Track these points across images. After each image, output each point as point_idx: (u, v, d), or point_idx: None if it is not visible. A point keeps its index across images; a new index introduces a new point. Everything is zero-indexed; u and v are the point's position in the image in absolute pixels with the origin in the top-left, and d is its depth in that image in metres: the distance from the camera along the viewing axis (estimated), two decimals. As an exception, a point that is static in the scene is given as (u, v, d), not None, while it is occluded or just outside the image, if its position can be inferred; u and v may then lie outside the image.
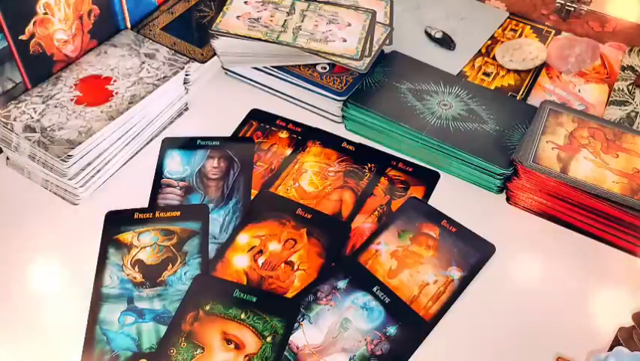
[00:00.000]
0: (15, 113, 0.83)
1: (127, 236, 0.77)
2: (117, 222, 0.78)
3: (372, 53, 0.94)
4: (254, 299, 0.71)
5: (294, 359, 0.67)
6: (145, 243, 0.77)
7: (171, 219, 0.79)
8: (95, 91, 0.87)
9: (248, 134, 0.92)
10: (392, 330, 0.70)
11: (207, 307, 0.70)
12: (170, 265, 0.74)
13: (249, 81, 1.00)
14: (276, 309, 0.70)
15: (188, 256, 0.75)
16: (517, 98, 1.00)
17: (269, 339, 0.68)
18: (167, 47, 0.97)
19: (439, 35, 1.10)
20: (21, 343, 0.68)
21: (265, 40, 0.94)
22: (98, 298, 0.71)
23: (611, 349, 0.69)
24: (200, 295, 0.71)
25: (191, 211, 0.80)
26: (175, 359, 0.66)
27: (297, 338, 0.69)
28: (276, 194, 0.84)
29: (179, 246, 0.76)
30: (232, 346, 0.67)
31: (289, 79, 0.95)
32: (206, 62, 0.98)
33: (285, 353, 0.67)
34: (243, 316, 0.69)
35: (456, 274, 0.76)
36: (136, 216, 0.79)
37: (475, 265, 0.77)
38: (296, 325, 0.70)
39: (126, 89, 0.88)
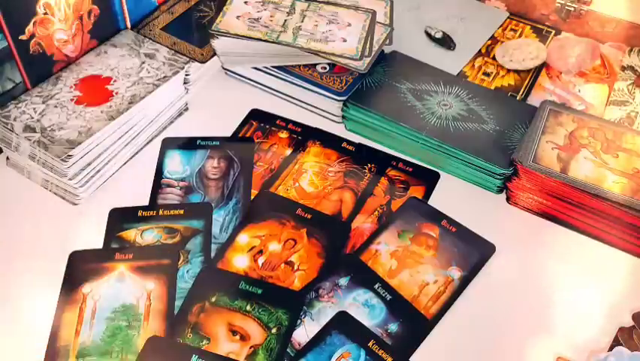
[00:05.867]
0: (15, 113, 0.83)
1: (130, 233, 0.77)
2: (121, 219, 0.79)
3: (372, 53, 0.94)
4: (259, 291, 0.71)
5: (296, 356, 0.67)
6: (148, 241, 0.77)
7: (175, 217, 0.79)
8: (95, 91, 0.87)
9: (248, 135, 0.92)
10: (394, 327, 0.70)
11: (213, 299, 0.70)
12: (172, 264, 0.75)
13: (248, 81, 1.00)
14: (281, 301, 0.71)
15: (190, 255, 0.76)
16: (517, 98, 1.00)
17: (274, 331, 0.68)
18: (167, 47, 0.97)
19: (439, 35, 1.10)
20: (20, 342, 0.68)
21: (265, 41, 0.94)
22: (98, 298, 0.71)
23: (611, 349, 0.69)
24: (206, 286, 0.72)
25: (195, 210, 0.80)
26: None
27: (299, 335, 0.69)
28: (276, 194, 0.84)
29: (182, 244, 0.76)
30: (237, 337, 0.68)
31: (289, 79, 0.95)
32: (206, 62, 0.98)
33: (287, 349, 0.67)
34: (248, 307, 0.70)
35: (456, 274, 0.76)
36: (140, 213, 0.79)
37: (475, 265, 0.77)
38: (297, 321, 0.70)
39: (126, 89, 0.88)
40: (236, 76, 1.01)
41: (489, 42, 1.11)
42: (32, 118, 0.82)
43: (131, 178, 0.86)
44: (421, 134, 0.88)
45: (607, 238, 0.81)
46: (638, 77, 1.02)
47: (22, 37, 0.83)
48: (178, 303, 0.71)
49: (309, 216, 0.80)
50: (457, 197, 0.86)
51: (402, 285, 0.74)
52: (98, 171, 0.83)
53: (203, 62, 0.98)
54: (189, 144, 0.90)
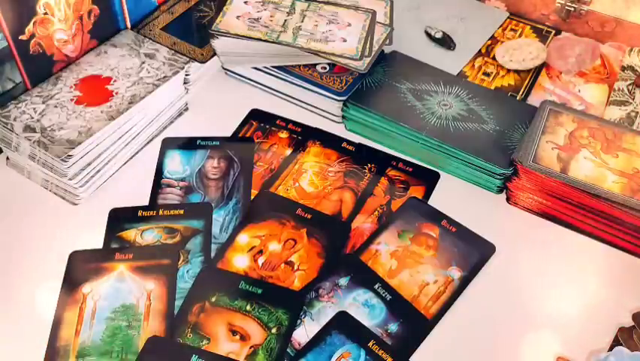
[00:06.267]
0: (15, 113, 0.83)
1: (130, 233, 0.77)
2: (121, 219, 0.79)
3: (372, 53, 0.94)
4: (259, 291, 0.71)
5: (296, 356, 0.67)
6: (148, 241, 0.77)
7: (175, 217, 0.79)
8: (95, 91, 0.87)
9: (248, 135, 0.92)
10: (394, 327, 0.70)
11: (213, 299, 0.70)
12: (172, 265, 0.75)
13: (248, 81, 1.00)
14: (281, 301, 0.71)
15: (190, 255, 0.76)
16: (517, 98, 1.00)
17: (274, 330, 0.68)
18: (167, 47, 0.97)
19: (439, 35, 1.10)
20: (20, 341, 0.68)
21: (265, 41, 0.94)
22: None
23: (611, 349, 0.69)
24: (206, 286, 0.72)
25: (195, 210, 0.80)
26: None
27: (299, 335, 0.69)
28: (276, 194, 0.84)
29: (182, 244, 0.76)
30: (237, 337, 0.68)
31: (289, 79, 0.95)
32: (206, 62, 0.98)
33: (287, 349, 0.67)
34: (248, 307, 0.70)
35: (456, 274, 0.76)
36: (140, 213, 0.79)
37: (475, 265, 0.77)
38: (297, 321, 0.70)
39: (126, 89, 0.88)
40: (236, 76, 1.01)
41: (489, 42, 1.11)
42: (32, 118, 0.82)
43: (131, 178, 0.86)
44: (421, 134, 0.88)
45: (607, 238, 0.81)
46: (638, 77, 1.02)
47: (22, 37, 0.83)
48: (178, 303, 0.71)
49: (309, 216, 0.80)
50: (457, 197, 0.86)
51: (402, 285, 0.74)
52: (98, 171, 0.83)
53: (203, 62, 0.98)
54: (189, 144, 0.90)
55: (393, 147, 0.91)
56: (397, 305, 0.72)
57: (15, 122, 0.82)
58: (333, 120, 0.95)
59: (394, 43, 1.01)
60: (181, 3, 1.09)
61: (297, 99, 0.97)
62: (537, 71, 1.05)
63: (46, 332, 0.67)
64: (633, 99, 0.99)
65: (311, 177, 0.86)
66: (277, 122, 0.94)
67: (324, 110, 0.95)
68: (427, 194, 0.86)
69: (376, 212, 0.83)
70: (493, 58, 1.07)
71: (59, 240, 0.77)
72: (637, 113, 0.96)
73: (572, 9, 1.11)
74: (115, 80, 0.89)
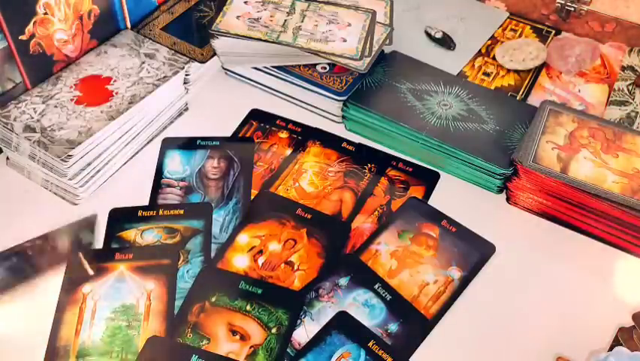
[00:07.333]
0: (15, 113, 0.83)
1: (130, 233, 0.77)
2: (121, 219, 0.79)
3: (372, 53, 0.94)
4: (259, 291, 0.71)
5: (296, 356, 0.67)
6: (148, 241, 0.77)
7: (175, 217, 0.79)
8: (95, 91, 0.87)
9: (248, 135, 0.92)
10: (394, 327, 0.70)
11: (213, 299, 0.70)
12: (172, 265, 0.75)
13: (248, 81, 1.00)
14: (281, 301, 0.71)
15: (190, 255, 0.76)
16: (517, 98, 1.00)
17: (274, 330, 0.68)
18: (167, 47, 0.97)
19: (439, 35, 1.10)
20: (20, 341, 0.68)
21: (265, 41, 0.94)
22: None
23: (611, 349, 0.69)
24: (206, 286, 0.72)
25: (195, 210, 0.81)
26: None
27: (299, 335, 0.69)
28: (276, 194, 0.84)
29: (182, 244, 0.76)
30: (237, 337, 0.68)
31: (289, 79, 0.95)
32: (206, 62, 0.98)
33: (287, 349, 0.67)
34: (248, 307, 0.70)
35: (456, 274, 0.76)
36: (140, 213, 0.79)
37: (475, 265, 0.77)
38: (297, 321, 0.70)
39: (126, 89, 0.88)
40: (236, 76, 1.01)
41: (489, 42, 1.11)
42: (32, 118, 0.82)
43: (131, 178, 0.86)
44: (421, 134, 0.88)
45: (607, 238, 0.81)
46: (638, 77, 1.02)
47: (22, 37, 0.83)
48: (178, 303, 0.71)
49: (309, 216, 0.80)
50: (457, 197, 0.86)
51: (402, 285, 0.74)
52: (98, 171, 0.83)
53: (203, 62, 0.98)
54: (189, 144, 0.90)
55: (393, 147, 0.91)
56: (397, 305, 0.72)
57: (15, 122, 0.82)
58: (333, 120, 0.95)
59: (394, 43, 1.01)
60: (181, 3, 1.09)
61: (297, 99, 0.97)
62: (537, 71, 1.05)
63: (46, 332, 0.67)
64: (633, 99, 0.99)
65: (311, 177, 0.86)
66: (277, 122, 0.94)
67: (324, 110, 0.95)
68: (427, 194, 0.86)
69: (376, 212, 0.83)
70: (493, 58, 1.07)
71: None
72: (637, 113, 0.96)
73: (572, 9, 1.11)
74: (115, 80, 0.89)
